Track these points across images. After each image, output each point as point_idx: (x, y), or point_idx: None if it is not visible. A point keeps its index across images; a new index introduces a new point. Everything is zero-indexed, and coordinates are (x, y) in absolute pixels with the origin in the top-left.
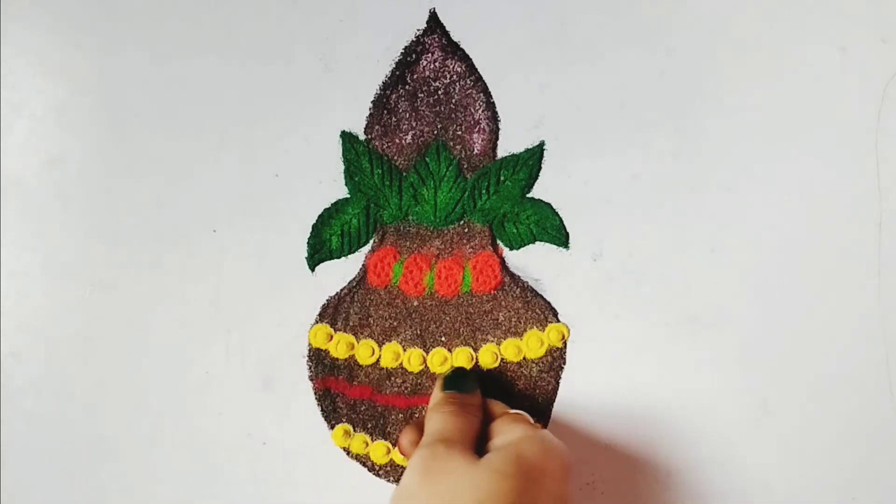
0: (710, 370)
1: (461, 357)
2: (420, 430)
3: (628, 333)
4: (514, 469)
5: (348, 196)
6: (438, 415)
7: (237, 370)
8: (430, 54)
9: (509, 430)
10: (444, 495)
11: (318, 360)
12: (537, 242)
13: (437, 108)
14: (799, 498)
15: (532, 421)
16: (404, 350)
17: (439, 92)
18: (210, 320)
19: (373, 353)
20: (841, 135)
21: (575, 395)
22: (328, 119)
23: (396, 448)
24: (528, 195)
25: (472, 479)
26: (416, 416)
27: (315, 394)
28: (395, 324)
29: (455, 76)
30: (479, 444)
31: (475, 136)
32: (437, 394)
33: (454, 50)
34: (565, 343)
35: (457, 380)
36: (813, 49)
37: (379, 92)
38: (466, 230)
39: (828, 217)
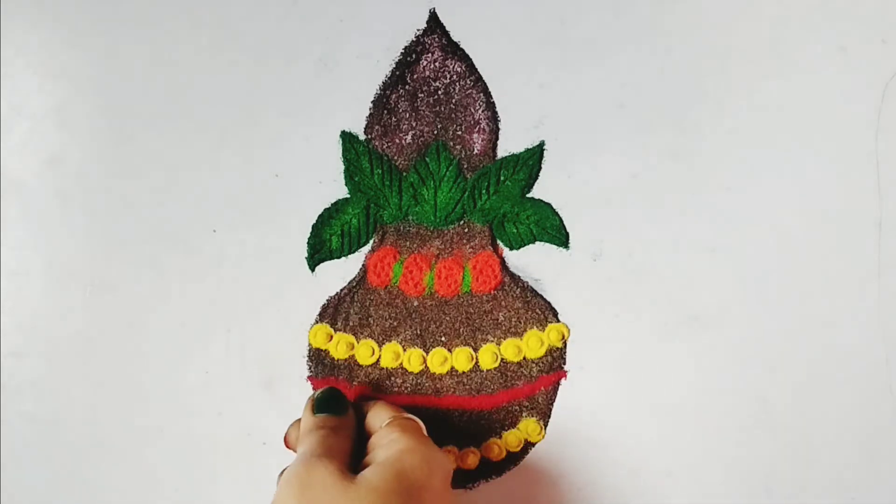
0: (710, 370)
1: (461, 357)
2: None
3: (628, 333)
4: (394, 486)
5: (348, 196)
6: (311, 437)
7: (237, 370)
8: (430, 54)
9: (391, 443)
10: None
11: (318, 360)
12: (537, 242)
13: (437, 108)
14: (799, 498)
15: (423, 428)
16: (404, 350)
17: (439, 92)
18: (210, 320)
19: (373, 354)
20: (841, 135)
21: (575, 395)
22: (328, 119)
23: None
24: (528, 195)
25: (349, 498)
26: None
27: None
28: (395, 324)
29: (455, 76)
30: (358, 459)
31: (475, 136)
32: (307, 416)
33: (454, 50)
34: (565, 343)
35: (329, 402)
36: (813, 49)
37: (379, 92)
38: (466, 230)
39: (828, 217)
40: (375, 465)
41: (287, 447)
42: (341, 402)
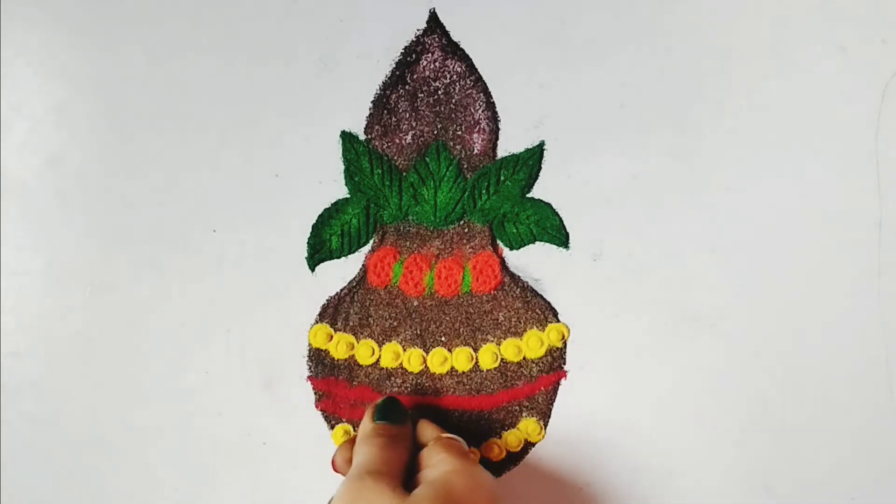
0: (710, 370)
1: (461, 357)
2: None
3: (628, 333)
4: None
5: (348, 196)
6: (367, 447)
7: (237, 370)
8: (430, 54)
9: (439, 462)
10: None
11: (318, 360)
12: (537, 242)
13: (437, 108)
14: (799, 498)
15: (466, 447)
16: (404, 350)
17: (439, 92)
18: (210, 320)
19: (373, 354)
20: (841, 135)
21: (575, 394)
22: (328, 119)
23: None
24: (528, 195)
25: None
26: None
27: (315, 394)
28: (395, 324)
29: (455, 76)
30: (409, 474)
31: (475, 136)
32: (366, 423)
33: (454, 50)
34: (565, 343)
35: (387, 410)
36: (813, 49)
37: (379, 92)
38: (466, 230)
39: (828, 217)
40: (426, 483)
41: (335, 471)
42: (401, 412)
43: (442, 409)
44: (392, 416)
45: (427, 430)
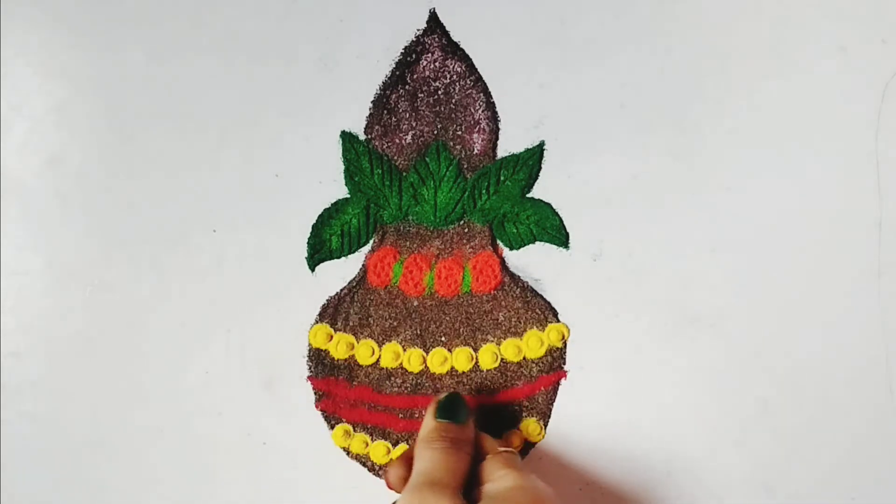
0: (710, 370)
1: (461, 357)
2: (408, 464)
3: (628, 333)
4: None
5: (348, 196)
6: (429, 451)
7: (237, 370)
8: (430, 54)
9: (501, 478)
10: None
11: (318, 360)
12: (537, 242)
13: (437, 108)
14: (799, 498)
15: (519, 460)
16: (404, 350)
17: (439, 92)
18: (210, 320)
19: (373, 354)
20: (841, 135)
21: (575, 395)
22: (328, 119)
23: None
24: (528, 195)
25: None
26: (416, 416)
27: (315, 394)
28: (395, 324)
29: (455, 76)
30: (469, 484)
31: (475, 136)
32: (429, 421)
33: (454, 50)
34: (565, 343)
35: (450, 408)
36: (813, 49)
37: (379, 92)
38: (466, 230)
39: (828, 217)
40: (489, 499)
41: (389, 489)
42: (464, 409)
43: None
44: (455, 415)
45: (486, 442)
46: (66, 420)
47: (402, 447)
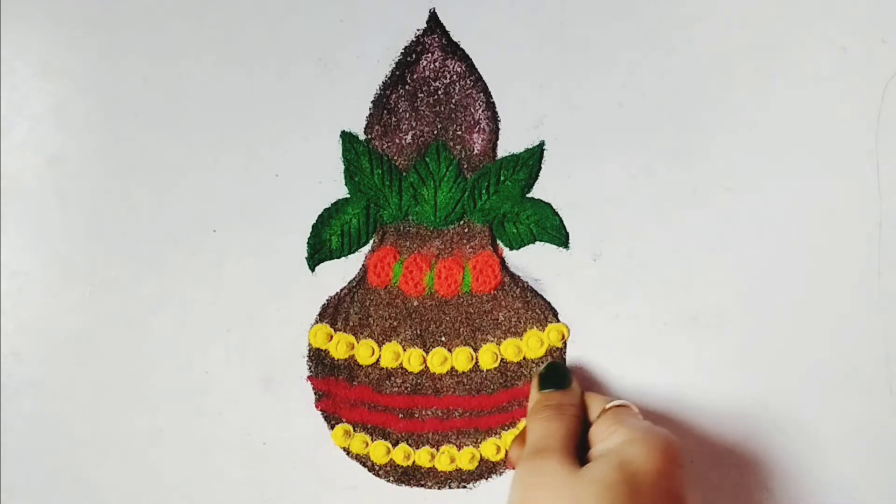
0: (710, 370)
1: (461, 357)
2: (524, 441)
3: (628, 333)
4: (619, 476)
5: (348, 196)
6: (536, 423)
7: (237, 370)
8: (430, 54)
9: (612, 434)
10: None
11: (318, 361)
12: (537, 242)
13: (437, 108)
14: (799, 498)
15: (635, 410)
16: (404, 350)
17: (439, 92)
18: (210, 320)
19: (373, 354)
20: (841, 135)
21: None
22: (328, 119)
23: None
24: (528, 195)
25: (573, 493)
26: (416, 416)
27: (315, 394)
28: (395, 324)
29: (455, 76)
30: (583, 448)
31: (475, 136)
32: (533, 394)
33: (454, 50)
34: (565, 343)
35: (552, 376)
36: (813, 49)
37: (379, 92)
38: (466, 230)
39: (828, 217)
40: (598, 458)
41: (510, 466)
42: (565, 375)
43: (442, 409)
44: (556, 381)
45: (595, 402)
46: (66, 420)
47: (403, 447)
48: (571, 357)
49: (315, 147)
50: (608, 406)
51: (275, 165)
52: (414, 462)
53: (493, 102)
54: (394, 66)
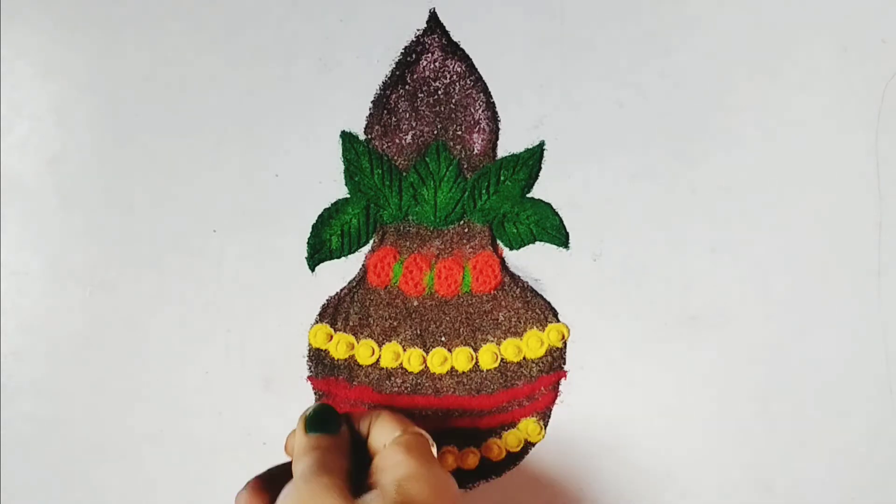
0: (710, 370)
1: (461, 357)
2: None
3: (628, 333)
4: None
5: (348, 196)
6: (305, 459)
7: (237, 370)
8: (430, 54)
9: (395, 466)
10: None
11: (318, 360)
12: (537, 242)
13: (437, 108)
14: (799, 498)
15: (431, 443)
16: (404, 350)
17: (439, 92)
18: (210, 320)
19: (373, 354)
20: (841, 135)
21: (575, 395)
22: (328, 119)
23: None
24: (528, 195)
25: None
26: (417, 416)
27: (315, 394)
28: (395, 324)
29: (455, 76)
30: (358, 479)
31: (475, 136)
32: (300, 436)
33: (454, 50)
34: (565, 343)
35: (319, 420)
36: (813, 49)
37: (379, 92)
38: (466, 230)
39: (828, 217)
40: (378, 489)
41: (287, 454)
42: (333, 420)
43: (442, 410)
44: (324, 426)
45: (387, 427)
46: (66, 420)
47: None
48: (571, 357)
49: (315, 147)
50: (402, 435)
51: (275, 165)
52: None
53: (493, 102)
54: (394, 66)
